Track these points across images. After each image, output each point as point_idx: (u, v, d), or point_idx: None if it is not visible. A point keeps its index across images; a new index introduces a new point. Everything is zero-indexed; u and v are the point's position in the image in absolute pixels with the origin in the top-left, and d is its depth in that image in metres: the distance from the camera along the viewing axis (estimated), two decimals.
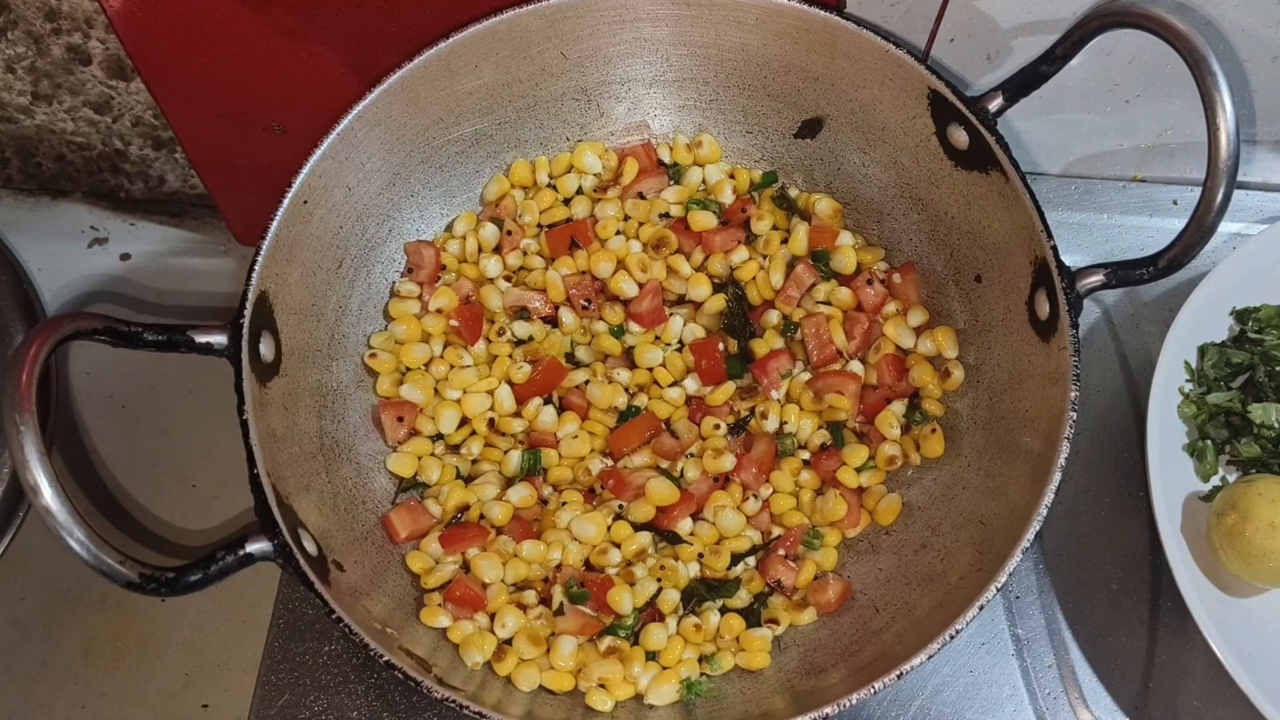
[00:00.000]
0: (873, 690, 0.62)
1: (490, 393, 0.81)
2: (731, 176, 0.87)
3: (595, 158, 0.87)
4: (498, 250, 0.85)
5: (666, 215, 0.86)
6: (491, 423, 0.81)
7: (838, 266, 0.83)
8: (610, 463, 0.80)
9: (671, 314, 0.84)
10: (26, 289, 0.94)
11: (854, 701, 0.62)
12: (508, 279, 0.85)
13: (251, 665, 0.78)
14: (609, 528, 0.77)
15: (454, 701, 0.63)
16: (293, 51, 0.79)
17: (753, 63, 0.84)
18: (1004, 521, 0.69)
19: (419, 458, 0.79)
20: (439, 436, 0.80)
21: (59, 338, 0.61)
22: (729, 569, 0.76)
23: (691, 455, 0.80)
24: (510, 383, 0.81)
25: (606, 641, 0.73)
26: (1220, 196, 0.66)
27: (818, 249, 0.84)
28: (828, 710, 0.62)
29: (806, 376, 0.81)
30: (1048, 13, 0.79)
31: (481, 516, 0.78)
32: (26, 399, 0.56)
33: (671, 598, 0.74)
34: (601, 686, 0.71)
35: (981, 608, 0.63)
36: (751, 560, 0.77)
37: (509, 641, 0.73)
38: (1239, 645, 0.71)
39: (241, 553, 0.62)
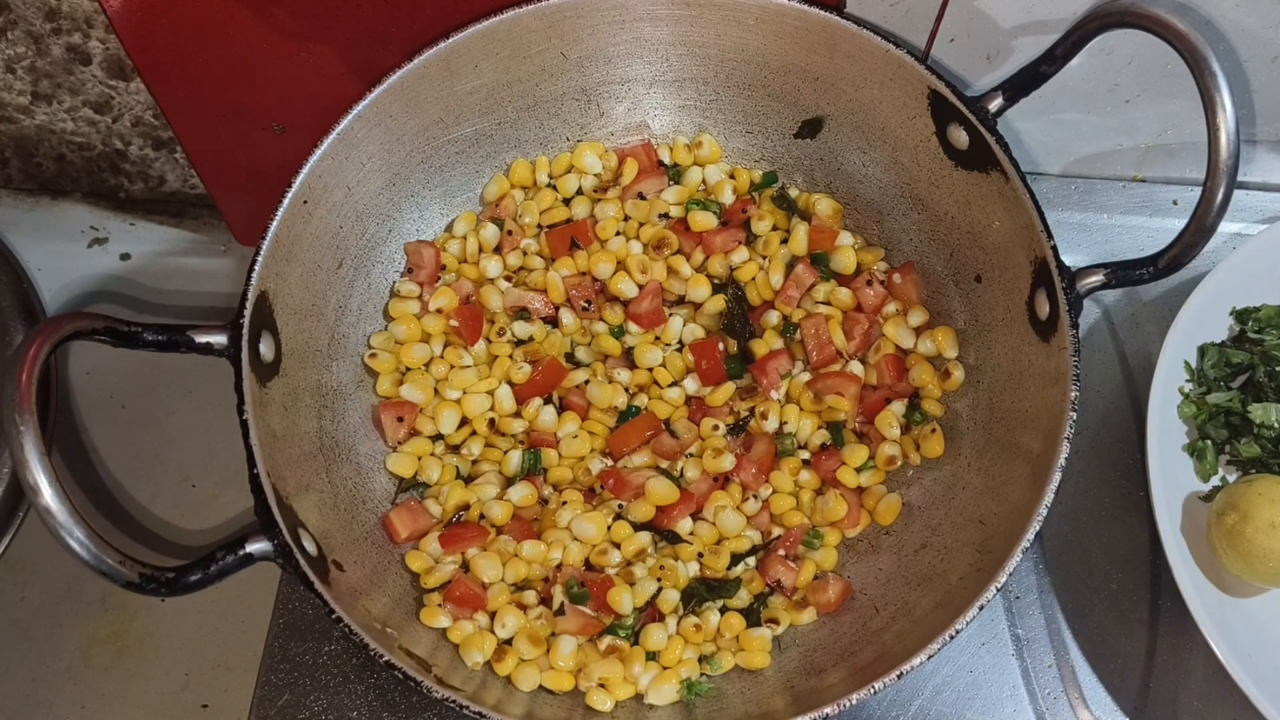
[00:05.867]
0: (873, 690, 0.62)
1: (490, 393, 0.81)
2: (731, 176, 0.87)
3: (595, 158, 0.87)
4: (498, 250, 0.85)
5: (666, 216, 0.86)
6: (491, 423, 0.81)
7: (838, 267, 0.83)
8: (610, 463, 0.80)
9: (671, 314, 0.84)
10: (26, 289, 0.94)
11: (854, 701, 0.62)
12: (508, 279, 0.85)
13: (251, 665, 0.78)
14: (609, 528, 0.77)
15: (454, 701, 0.63)
16: (293, 51, 0.79)
17: (753, 63, 0.83)
18: (1004, 521, 0.69)
19: (419, 458, 0.79)
20: (439, 436, 0.80)
21: (59, 338, 0.61)
22: (729, 569, 0.76)
23: (691, 455, 0.80)
24: (510, 383, 0.81)
25: (606, 641, 0.73)
26: (1220, 196, 0.66)
27: (818, 249, 0.84)
28: (828, 710, 0.62)
29: (806, 377, 0.81)
30: (1048, 13, 0.79)
31: (481, 516, 0.78)
32: (26, 399, 0.56)
33: (671, 598, 0.74)
34: (601, 686, 0.71)
35: (981, 608, 0.63)
36: (751, 560, 0.77)
37: (509, 641, 0.73)
38: (1239, 645, 0.71)
39: (241, 553, 0.62)
